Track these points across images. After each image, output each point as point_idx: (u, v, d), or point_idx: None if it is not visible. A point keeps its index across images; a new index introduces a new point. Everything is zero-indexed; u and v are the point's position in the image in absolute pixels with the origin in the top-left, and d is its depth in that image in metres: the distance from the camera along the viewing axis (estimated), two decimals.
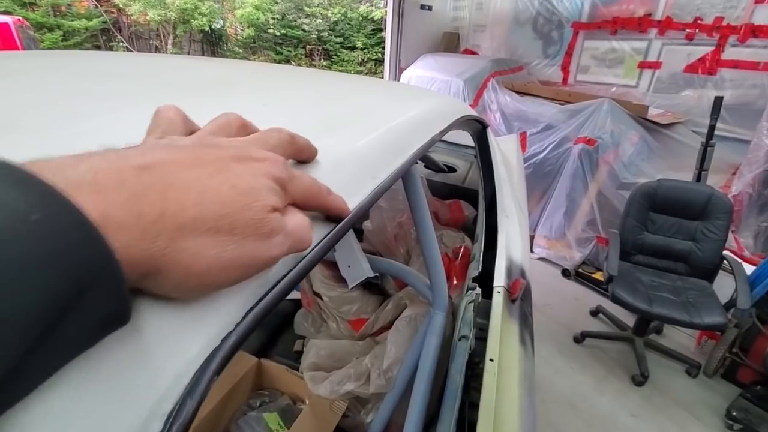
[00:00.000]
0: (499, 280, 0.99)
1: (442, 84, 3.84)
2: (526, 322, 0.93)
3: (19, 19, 5.10)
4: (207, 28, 11.68)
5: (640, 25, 3.09)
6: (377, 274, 1.01)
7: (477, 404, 0.69)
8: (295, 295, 1.77)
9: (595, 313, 2.68)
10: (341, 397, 1.17)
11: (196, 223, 0.19)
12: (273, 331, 1.64)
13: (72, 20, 9.87)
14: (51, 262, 0.15)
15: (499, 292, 0.94)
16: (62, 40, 9.57)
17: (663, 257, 2.31)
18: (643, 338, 2.32)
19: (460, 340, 0.84)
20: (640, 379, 2.12)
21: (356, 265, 1.00)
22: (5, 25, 4.41)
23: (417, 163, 1.04)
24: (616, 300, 2.06)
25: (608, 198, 2.89)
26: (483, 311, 0.91)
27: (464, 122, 0.99)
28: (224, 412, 1.18)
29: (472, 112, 1.10)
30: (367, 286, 1.50)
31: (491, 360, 0.74)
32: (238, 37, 12.71)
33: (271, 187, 0.23)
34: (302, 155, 0.34)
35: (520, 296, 0.95)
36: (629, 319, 2.47)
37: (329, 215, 0.33)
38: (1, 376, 0.14)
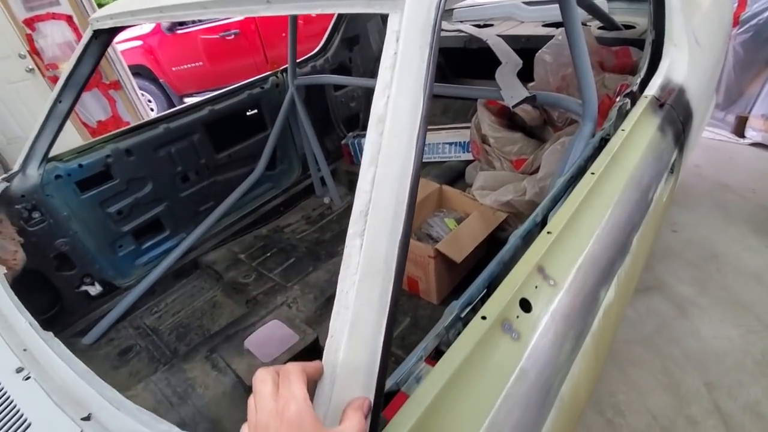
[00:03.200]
0: (650, 91, 1.11)
1: None
2: (671, 122, 1.06)
3: None
4: None
5: None
6: (534, 94, 1.25)
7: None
8: (465, 156, 2.14)
9: None
10: (503, 206, 1.51)
11: None
12: (448, 182, 2.06)
13: None
14: None
15: (646, 98, 1.08)
16: None
17: None
18: None
19: (601, 130, 1.04)
20: None
21: (515, 89, 1.26)
22: None
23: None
24: None
25: None
26: (626, 113, 1.07)
27: None
28: (417, 217, 1.67)
29: None
30: (530, 133, 1.74)
31: (622, 130, 0.94)
32: None
33: None
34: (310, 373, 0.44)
35: (669, 102, 1.07)
36: None
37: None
38: None
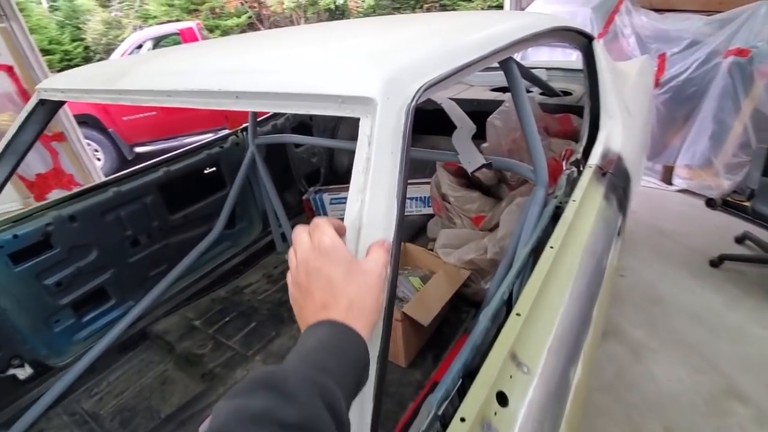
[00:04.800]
0: (593, 160, 1.21)
1: (565, 17, 3.71)
2: (614, 189, 1.15)
3: (198, 23, 6.57)
4: (332, 6, 12.61)
5: None
6: (490, 161, 1.33)
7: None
8: (426, 210, 2.20)
9: (740, 239, 2.50)
10: (465, 264, 1.54)
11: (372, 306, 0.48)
12: (410, 237, 2.09)
13: (226, 20, 11.77)
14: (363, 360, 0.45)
15: (590, 167, 1.17)
16: (222, 36, 11.55)
17: None
18: None
19: (553, 198, 1.11)
20: None
21: (472, 155, 1.33)
22: (191, 29, 5.83)
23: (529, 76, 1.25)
24: (755, 214, 1.96)
25: (766, 115, 2.57)
26: (574, 181, 1.16)
27: (561, 33, 1.21)
28: None
29: (572, 25, 1.29)
30: (486, 191, 1.82)
31: (573, 201, 1.01)
32: (359, 9, 13.40)
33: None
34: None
35: (610, 170, 1.17)
36: None
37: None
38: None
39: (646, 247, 2.57)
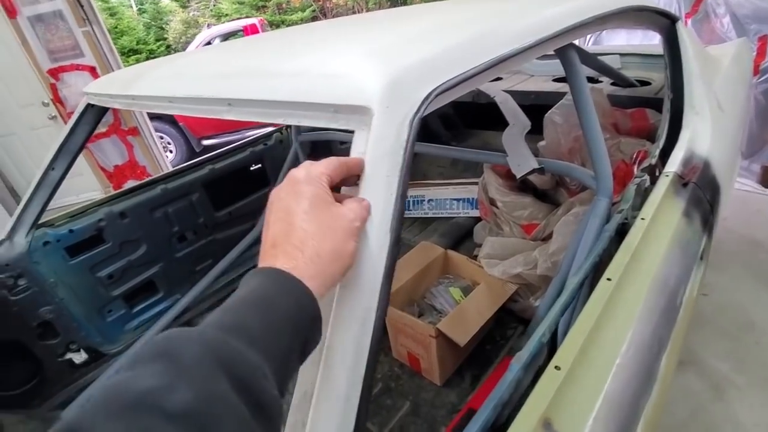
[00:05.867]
0: (671, 167, 1.01)
1: None
2: (698, 203, 0.94)
3: (261, 20, 6.81)
4: None
5: None
6: (542, 166, 1.16)
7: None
8: (474, 213, 2.04)
9: None
10: (512, 278, 1.39)
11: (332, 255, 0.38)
12: (456, 242, 1.95)
13: (291, 15, 12.10)
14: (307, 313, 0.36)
15: (667, 176, 0.97)
16: None
17: None
18: None
19: (618, 213, 0.94)
20: None
21: (523, 159, 1.18)
22: (254, 25, 6.05)
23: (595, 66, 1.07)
24: None
25: None
26: (645, 192, 0.97)
27: (635, 15, 1.01)
28: (420, 285, 1.56)
29: (649, 4, 1.08)
30: (540, 195, 1.64)
31: (642, 219, 0.83)
32: None
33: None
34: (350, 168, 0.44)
35: (693, 180, 0.96)
36: None
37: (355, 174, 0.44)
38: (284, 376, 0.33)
39: (737, 261, 2.20)
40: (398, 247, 0.42)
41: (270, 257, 0.39)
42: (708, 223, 0.94)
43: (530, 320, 1.25)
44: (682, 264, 0.82)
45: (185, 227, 1.72)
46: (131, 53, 11.23)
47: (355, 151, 0.43)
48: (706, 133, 1.13)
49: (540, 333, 0.63)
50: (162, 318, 1.64)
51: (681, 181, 0.97)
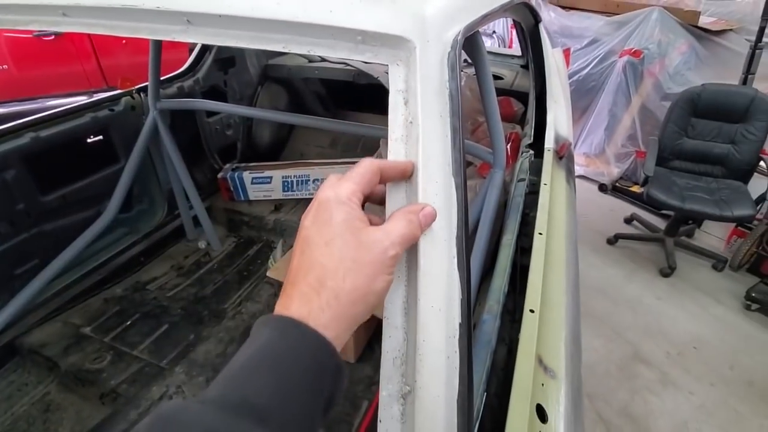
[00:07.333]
0: (549, 143, 1.20)
1: None
2: (570, 171, 1.16)
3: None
4: None
5: None
6: None
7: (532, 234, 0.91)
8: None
9: (629, 220, 2.86)
10: None
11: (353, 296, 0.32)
12: None
13: None
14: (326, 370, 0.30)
15: (548, 150, 1.16)
16: None
17: (700, 161, 2.42)
18: (674, 238, 2.50)
19: (519, 181, 1.07)
20: (667, 271, 2.35)
21: None
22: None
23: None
24: (650, 199, 2.23)
25: (651, 111, 2.94)
26: (535, 165, 1.13)
27: (520, 8, 1.16)
28: None
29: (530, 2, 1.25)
30: None
31: (545, 184, 0.98)
32: None
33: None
34: (389, 175, 0.38)
35: (565, 155, 1.17)
36: (662, 224, 2.65)
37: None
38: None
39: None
40: (466, 198, 0.39)
41: (286, 298, 0.33)
42: (573, 186, 1.17)
43: None
44: (573, 217, 1.00)
45: None
46: None
47: (395, 89, 0.38)
48: (563, 118, 1.39)
49: (502, 284, 0.68)
50: None
51: (558, 155, 1.17)
